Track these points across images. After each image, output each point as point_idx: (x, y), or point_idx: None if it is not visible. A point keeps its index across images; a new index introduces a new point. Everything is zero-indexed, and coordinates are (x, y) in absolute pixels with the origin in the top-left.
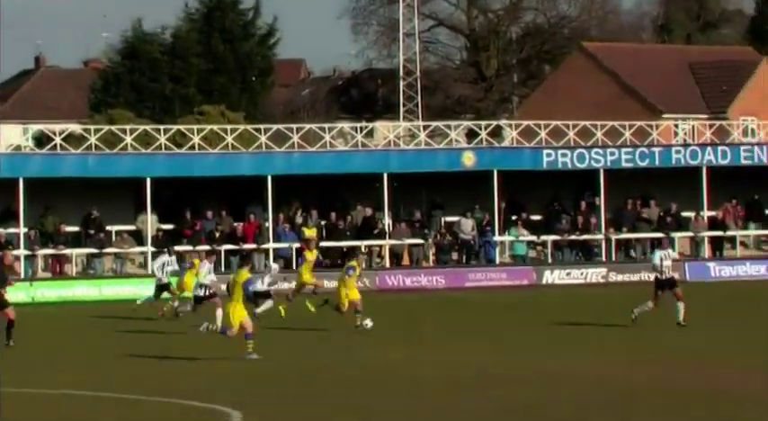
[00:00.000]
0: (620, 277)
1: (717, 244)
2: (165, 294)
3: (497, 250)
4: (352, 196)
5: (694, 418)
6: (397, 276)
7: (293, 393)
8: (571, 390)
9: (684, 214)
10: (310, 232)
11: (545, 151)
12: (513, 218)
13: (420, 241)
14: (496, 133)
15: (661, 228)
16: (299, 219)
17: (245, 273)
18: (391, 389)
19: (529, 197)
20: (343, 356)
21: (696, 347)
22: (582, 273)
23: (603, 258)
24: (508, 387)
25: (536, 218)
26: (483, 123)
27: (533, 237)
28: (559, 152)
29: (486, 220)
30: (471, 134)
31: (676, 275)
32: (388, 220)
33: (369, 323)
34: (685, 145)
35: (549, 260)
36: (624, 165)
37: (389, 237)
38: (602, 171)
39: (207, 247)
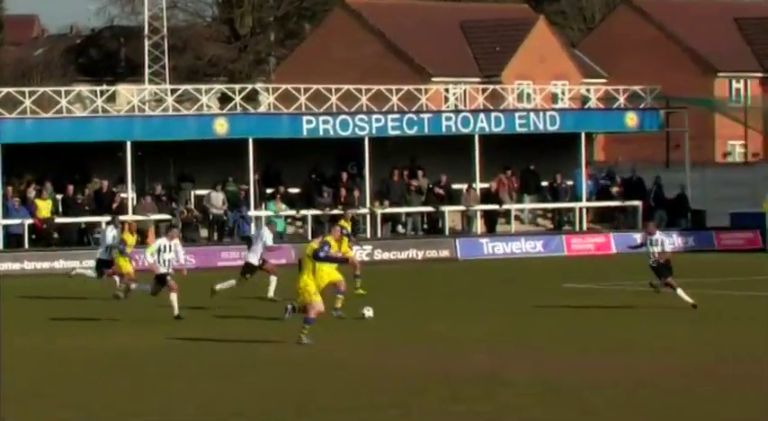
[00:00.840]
0: (386, 255)
1: (490, 218)
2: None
3: (253, 226)
4: (92, 167)
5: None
6: (140, 255)
7: (59, 378)
8: (340, 377)
9: (455, 186)
10: (44, 205)
11: (305, 118)
12: (270, 191)
13: (167, 217)
14: (252, 98)
15: (430, 202)
16: (31, 193)
17: (313, 245)
18: (156, 374)
19: (287, 168)
20: (96, 340)
21: (459, 331)
22: None
23: (368, 235)
24: (261, 372)
25: (295, 190)
26: (237, 87)
27: (292, 212)
28: (321, 119)
29: (241, 194)
30: (224, 99)
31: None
32: (131, 194)
33: (369, 312)
34: (456, 111)
35: (310, 237)
36: (391, 132)
37: (132, 213)
38: (367, 139)
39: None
